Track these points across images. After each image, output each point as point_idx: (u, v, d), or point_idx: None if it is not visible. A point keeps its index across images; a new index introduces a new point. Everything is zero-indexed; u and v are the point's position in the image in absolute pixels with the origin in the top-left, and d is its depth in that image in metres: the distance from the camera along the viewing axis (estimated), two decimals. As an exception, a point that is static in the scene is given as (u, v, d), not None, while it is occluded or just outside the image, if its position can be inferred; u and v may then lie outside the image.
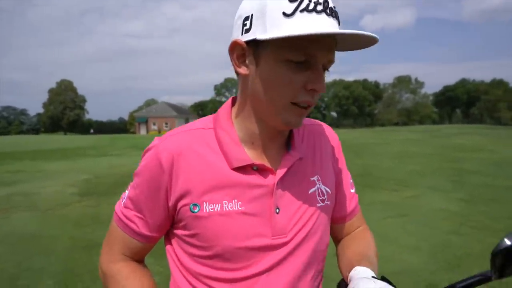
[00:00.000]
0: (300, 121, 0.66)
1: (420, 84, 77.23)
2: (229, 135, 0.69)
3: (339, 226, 0.84)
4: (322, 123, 0.84)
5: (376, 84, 79.34)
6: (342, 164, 0.83)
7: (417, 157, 10.51)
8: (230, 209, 0.65)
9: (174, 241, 0.72)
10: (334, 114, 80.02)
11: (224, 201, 0.65)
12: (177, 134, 0.70)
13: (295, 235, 0.68)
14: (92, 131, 67.93)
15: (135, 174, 0.71)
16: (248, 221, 0.65)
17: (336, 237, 0.86)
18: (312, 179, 0.73)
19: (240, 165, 0.66)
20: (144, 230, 0.71)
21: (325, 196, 0.74)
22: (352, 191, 0.85)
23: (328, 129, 0.84)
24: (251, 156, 0.69)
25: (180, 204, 0.66)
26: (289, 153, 0.71)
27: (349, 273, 0.67)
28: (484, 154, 10.75)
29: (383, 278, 0.63)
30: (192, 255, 0.68)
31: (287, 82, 0.61)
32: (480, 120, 70.15)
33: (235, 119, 0.71)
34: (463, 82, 79.69)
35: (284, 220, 0.67)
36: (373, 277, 0.63)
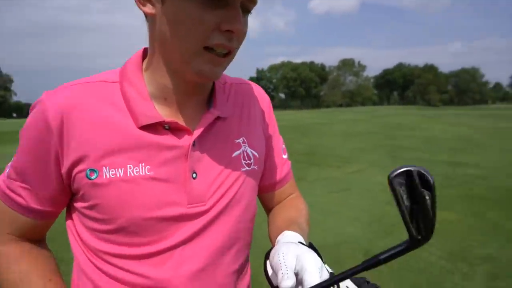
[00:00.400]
0: (216, 71, 0.56)
1: (363, 68, 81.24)
2: (137, 90, 0.57)
3: (270, 194, 0.77)
4: (252, 82, 0.75)
5: (322, 67, 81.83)
6: (274, 128, 0.76)
7: (359, 135, 11.08)
8: (136, 174, 0.55)
9: (74, 216, 0.61)
10: (282, 95, 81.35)
11: (128, 165, 0.55)
12: (70, 87, 0.57)
13: (216, 202, 0.60)
14: (14, 115, 61.13)
15: (20, 137, 0.58)
16: (158, 188, 0.56)
17: (267, 206, 0.80)
18: (237, 141, 0.65)
19: (148, 122, 0.56)
20: (34, 204, 0.58)
21: (252, 160, 0.66)
22: (285, 157, 0.79)
23: (258, 90, 0.75)
24: (163, 113, 0.58)
25: (75, 170, 0.55)
26: (210, 111, 0.62)
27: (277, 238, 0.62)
28: (417, 132, 11.67)
29: (310, 245, 0.59)
30: (93, 230, 0.58)
31: (196, 21, 0.51)
32: (414, 102, 76.07)
33: (145, 72, 0.60)
34: (400, 67, 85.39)
35: (202, 186, 0.59)
36: (300, 242, 0.58)
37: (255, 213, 0.71)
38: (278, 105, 78.46)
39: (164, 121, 0.57)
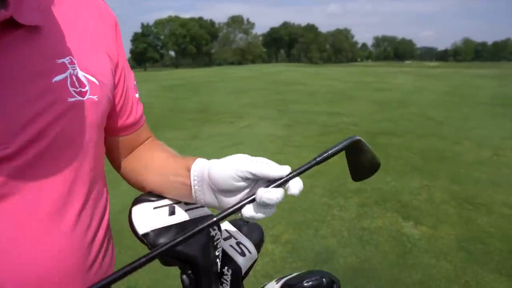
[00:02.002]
0: None
1: (251, 25, 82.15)
2: None
3: (122, 138, 0.62)
4: None
5: (212, 23, 79.65)
6: (123, 58, 0.60)
7: (250, 91, 11.36)
8: None
9: None
10: (172, 53, 77.15)
11: None
12: None
13: (28, 145, 0.42)
14: None
15: None
16: None
17: (120, 154, 0.64)
18: (60, 61, 0.47)
19: None
20: None
21: (87, 88, 0.49)
22: (137, 96, 0.64)
23: (100, 3, 0.58)
24: None
25: None
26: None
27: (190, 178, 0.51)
28: (301, 87, 12.57)
29: None
30: None
31: None
32: (298, 60, 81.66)
33: None
34: (285, 25, 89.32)
35: None
36: None
37: (103, 163, 0.56)
38: (168, 64, 74.34)
39: None
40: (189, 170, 0.51)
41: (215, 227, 0.56)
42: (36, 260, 0.44)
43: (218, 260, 0.56)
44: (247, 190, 0.48)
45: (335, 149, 0.47)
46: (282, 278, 0.50)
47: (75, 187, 0.48)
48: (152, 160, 0.61)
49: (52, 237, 0.45)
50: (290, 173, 0.45)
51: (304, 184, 0.46)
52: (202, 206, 0.58)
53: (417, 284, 2.16)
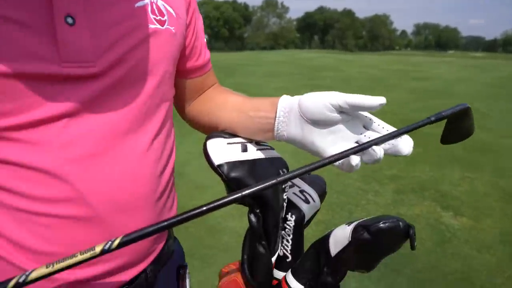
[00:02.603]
0: None
1: (286, 9, 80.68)
2: None
3: (190, 81, 0.61)
4: None
5: (246, 6, 78.93)
6: (195, 2, 0.59)
7: (283, 76, 11.24)
8: None
9: None
10: (206, 36, 77.45)
11: None
12: None
13: (112, 66, 0.42)
14: None
15: None
16: (7, 33, 0.36)
17: (187, 97, 0.63)
18: None
19: None
20: None
21: (166, 18, 0.48)
22: (205, 40, 0.64)
23: None
24: None
25: None
26: None
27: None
28: (335, 73, 12.27)
29: None
30: None
31: None
32: (333, 46, 79.54)
33: None
34: (321, 10, 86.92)
35: (84, 38, 0.40)
36: None
37: (173, 97, 0.56)
38: (201, 47, 74.61)
39: None
40: (273, 104, 0.51)
41: (285, 169, 0.55)
42: (119, 180, 0.44)
43: (284, 204, 0.55)
44: (339, 127, 0.46)
45: (448, 112, 0.45)
46: (353, 221, 0.48)
47: (149, 115, 0.48)
48: (226, 100, 0.60)
49: (128, 159, 0.45)
50: (401, 129, 0.43)
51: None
52: (272, 148, 0.57)
53: (456, 273, 2.08)
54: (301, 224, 0.56)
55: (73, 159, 0.41)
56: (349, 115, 0.47)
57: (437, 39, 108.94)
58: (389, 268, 2.09)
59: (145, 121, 0.47)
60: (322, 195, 0.60)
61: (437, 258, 2.21)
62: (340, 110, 0.46)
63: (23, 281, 0.32)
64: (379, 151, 0.43)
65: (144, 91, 0.46)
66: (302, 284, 0.51)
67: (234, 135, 0.55)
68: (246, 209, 0.53)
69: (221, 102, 0.60)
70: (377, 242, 0.45)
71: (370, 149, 0.42)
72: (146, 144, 0.48)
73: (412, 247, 0.43)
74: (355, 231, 0.46)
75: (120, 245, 0.33)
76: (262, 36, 77.19)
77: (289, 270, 0.54)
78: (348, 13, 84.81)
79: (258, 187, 0.36)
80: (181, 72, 0.59)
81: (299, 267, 0.52)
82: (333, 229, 0.52)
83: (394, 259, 2.16)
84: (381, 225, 0.44)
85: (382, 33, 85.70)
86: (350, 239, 0.46)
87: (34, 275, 0.32)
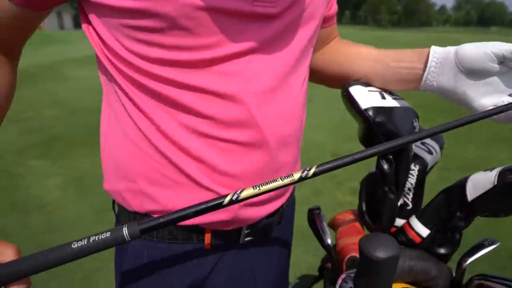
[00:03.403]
0: None
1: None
2: None
3: (324, 30, 0.63)
4: None
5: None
6: None
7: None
8: None
9: (95, 20, 0.44)
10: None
11: None
12: None
13: (287, 7, 0.45)
14: None
15: None
16: None
17: (315, 48, 0.63)
18: None
19: None
20: None
21: None
22: None
23: None
24: None
25: None
26: None
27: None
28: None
29: None
30: (128, 28, 0.41)
31: None
32: (365, 22, 76.21)
33: None
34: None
35: None
36: None
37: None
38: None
39: None
40: (421, 54, 0.52)
41: (416, 119, 0.56)
42: (285, 116, 0.48)
43: (412, 152, 0.56)
44: (494, 79, 0.46)
45: None
46: (493, 168, 0.49)
47: (302, 59, 0.50)
48: (359, 50, 0.62)
49: (291, 98, 0.48)
50: None
51: None
52: (402, 98, 0.58)
53: (509, 249, 2.05)
54: (424, 173, 0.58)
55: (254, 91, 0.44)
56: (507, 67, 0.46)
57: (480, 15, 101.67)
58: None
59: (300, 63, 0.50)
60: (441, 147, 0.61)
61: (488, 235, 2.18)
62: (501, 60, 0.45)
63: (236, 198, 0.36)
64: None
65: (306, 33, 0.49)
66: (428, 228, 0.53)
67: (368, 84, 0.56)
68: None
69: (354, 52, 0.62)
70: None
71: None
72: (299, 86, 0.51)
73: None
74: (502, 175, 0.47)
75: (315, 174, 0.37)
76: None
77: (413, 216, 0.56)
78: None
79: (425, 134, 0.38)
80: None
81: (426, 212, 0.55)
82: (468, 176, 0.53)
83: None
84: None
85: (419, 8, 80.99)
86: (495, 183, 0.47)
87: (244, 194, 0.36)
